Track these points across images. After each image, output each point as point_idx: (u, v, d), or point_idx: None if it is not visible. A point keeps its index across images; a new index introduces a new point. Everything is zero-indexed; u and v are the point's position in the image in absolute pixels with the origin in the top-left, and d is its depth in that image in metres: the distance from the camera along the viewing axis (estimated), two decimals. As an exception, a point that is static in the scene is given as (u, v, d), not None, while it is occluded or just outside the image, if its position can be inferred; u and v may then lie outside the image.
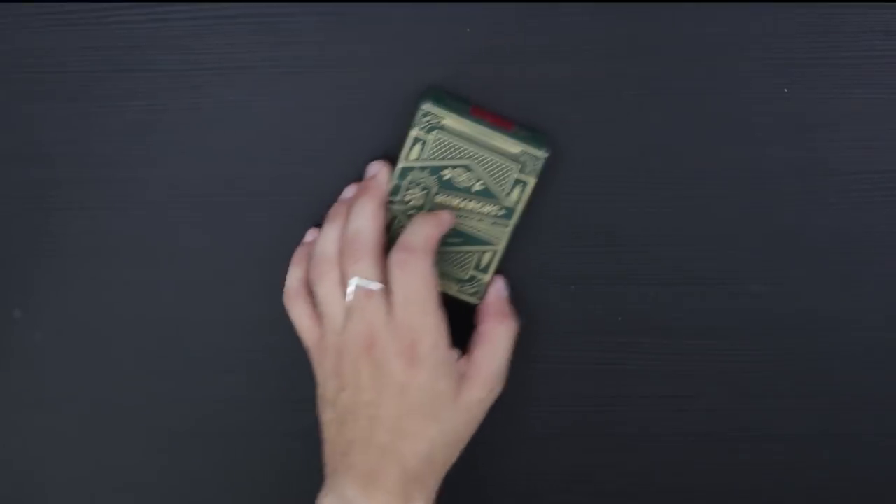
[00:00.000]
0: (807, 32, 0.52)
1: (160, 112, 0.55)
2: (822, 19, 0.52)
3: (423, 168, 0.52)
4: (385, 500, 0.50)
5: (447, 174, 0.53)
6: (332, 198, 0.56)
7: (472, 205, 0.53)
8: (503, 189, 0.53)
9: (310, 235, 0.56)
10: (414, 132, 0.52)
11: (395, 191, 0.53)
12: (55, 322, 0.59)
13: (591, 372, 0.57)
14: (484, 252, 0.54)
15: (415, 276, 0.50)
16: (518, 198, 0.53)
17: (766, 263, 0.55)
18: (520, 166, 0.52)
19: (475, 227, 0.54)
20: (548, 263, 0.56)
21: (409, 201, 0.53)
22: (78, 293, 0.58)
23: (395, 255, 0.51)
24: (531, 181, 0.53)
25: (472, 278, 0.55)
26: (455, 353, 0.52)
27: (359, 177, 0.55)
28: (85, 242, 0.57)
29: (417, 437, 0.51)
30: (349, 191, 0.55)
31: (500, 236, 0.54)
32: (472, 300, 0.55)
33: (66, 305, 0.58)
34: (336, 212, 0.54)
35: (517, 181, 0.53)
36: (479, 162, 0.52)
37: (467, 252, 0.54)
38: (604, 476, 0.59)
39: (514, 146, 0.52)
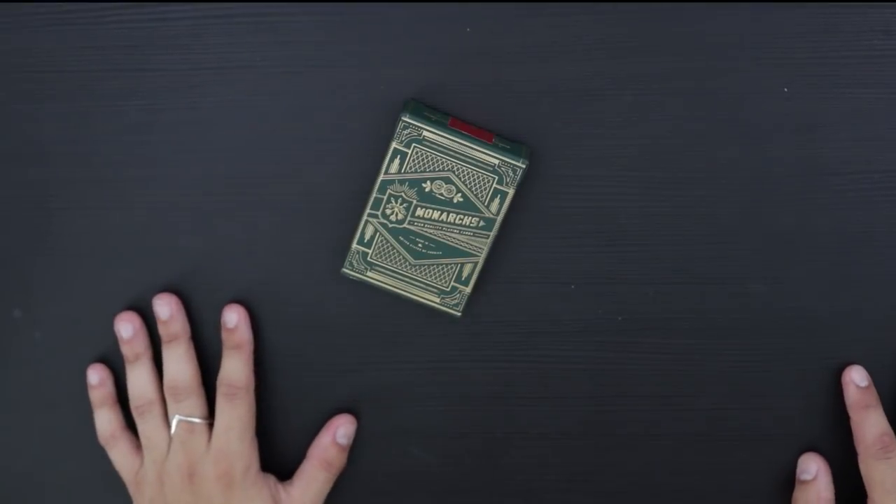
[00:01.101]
0: (807, 32, 0.52)
1: (160, 112, 0.55)
2: (822, 19, 0.52)
3: (402, 181, 0.53)
4: None
5: (427, 186, 0.53)
6: (332, 198, 0.56)
7: (452, 217, 0.53)
8: (483, 200, 0.53)
9: (94, 377, 0.58)
10: (394, 145, 0.52)
11: (375, 205, 0.53)
12: (55, 322, 0.59)
13: (591, 372, 0.57)
14: (465, 264, 0.54)
15: (239, 408, 0.55)
16: (498, 209, 0.53)
17: (766, 263, 0.56)
18: (498, 177, 0.52)
19: (456, 239, 0.54)
20: (547, 263, 0.56)
21: (390, 215, 0.53)
22: (78, 293, 0.58)
23: (224, 389, 0.56)
24: (510, 192, 0.53)
25: (453, 290, 0.55)
26: (270, 479, 0.57)
27: (359, 178, 0.55)
28: (85, 242, 0.57)
29: None
30: (125, 330, 0.57)
31: (481, 248, 0.54)
32: (453, 312, 0.55)
33: (66, 305, 0.58)
34: (134, 353, 0.57)
35: (497, 192, 0.53)
36: (458, 174, 0.52)
37: (448, 264, 0.54)
38: (604, 476, 0.59)
39: (493, 157, 0.52)
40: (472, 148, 0.52)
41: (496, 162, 0.52)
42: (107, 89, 0.55)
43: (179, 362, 0.56)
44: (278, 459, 0.59)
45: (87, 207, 0.57)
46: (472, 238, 0.54)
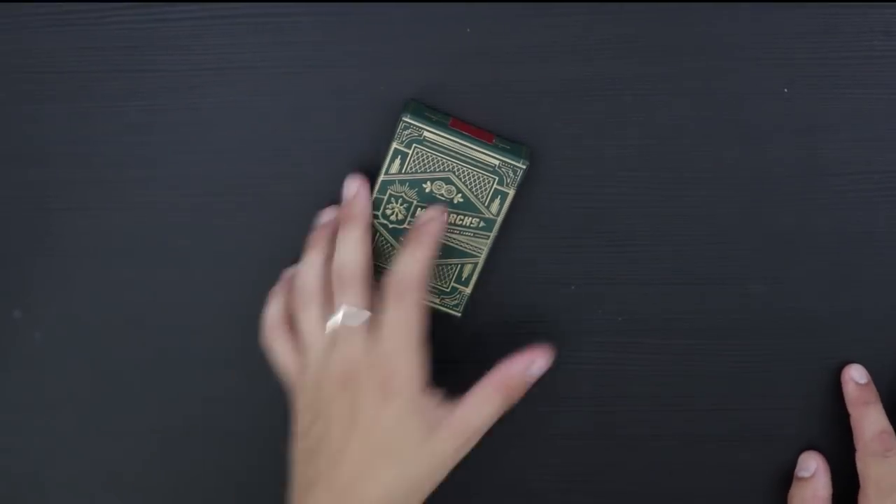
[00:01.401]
0: (807, 32, 0.52)
1: (160, 112, 0.55)
2: (822, 19, 0.52)
3: (403, 181, 0.53)
4: None
5: (428, 187, 0.53)
6: (331, 197, 0.56)
7: (452, 217, 0.53)
8: (483, 201, 0.53)
9: (288, 273, 0.55)
10: (394, 145, 0.52)
11: (375, 205, 0.53)
12: (55, 322, 0.59)
13: (591, 372, 0.57)
14: (465, 264, 0.54)
15: (408, 308, 0.49)
16: (498, 209, 0.53)
17: (766, 263, 0.55)
18: (499, 178, 0.52)
19: (456, 239, 0.54)
20: (547, 263, 0.56)
21: (391, 215, 0.53)
22: (78, 293, 0.58)
23: (393, 287, 0.50)
24: (511, 192, 0.53)
25: (453, 290, 0.55)
26: (434, 397, 0.50)
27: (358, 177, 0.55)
28: (85, 242, 0.57)
29: (377, 480, 0.49)
30: (327, 214, 0.54)
31: (481, 248, 0.54)
32: (453, 312, 0.55)
33: (66, 305, 0.58)
34: (316, 239, 0.53)
35: (497, 192, 0.53)
36: (458, 174, 0.52)
37: (448, 265, 0.54)
38: (604, 476, 0.59)
39: (493, 158, 0.52)
40: (472, 148, 0.52)
41: (496, 163, 0.52)
42: (107, 90, 0.55)
43: (353, 247, 0.51)
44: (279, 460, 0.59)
45: (87, 207, 0.57)
46: (472, 238, 0.54)
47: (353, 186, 0.53)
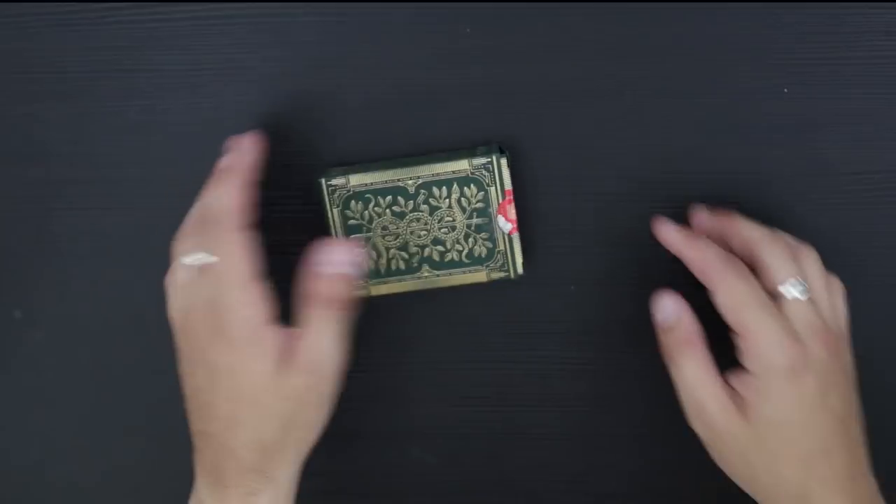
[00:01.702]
0: (807, 33, 0.52)
1: (160, 112, 0.55)
2: (823, 20, 0.52)
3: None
4: (230, 496, 0.48)
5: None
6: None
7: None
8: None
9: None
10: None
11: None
12: (55, 322, 0.59)
13: (591, 372, 0.57)
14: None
15: (229, 244, 0.47)
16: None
17: (766, 263, 0.55)
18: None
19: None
20: (547, 264, 0.56)
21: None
22: (78, 293, 0.58)
23: (205, 226, 0.48)
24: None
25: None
26: (277, 333, 0.47)
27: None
28: (85, 242, 0.57)
29: (243, 425, 0.47)
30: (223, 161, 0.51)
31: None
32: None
33: (66, 305, 0.58)
34: (220, 168, 0.51)
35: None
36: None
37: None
38: (604, 476, 0.59)
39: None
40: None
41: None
42: (107, 89, 0.55)
43: (223, 189, 0.49)
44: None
45: (87, 207, 0.57)
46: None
47: (245, 143, 0.51)
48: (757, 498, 0.49)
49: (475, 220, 0.53)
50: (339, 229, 0.53)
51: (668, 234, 0.51)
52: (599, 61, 0.53)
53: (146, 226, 0.57)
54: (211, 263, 0.47)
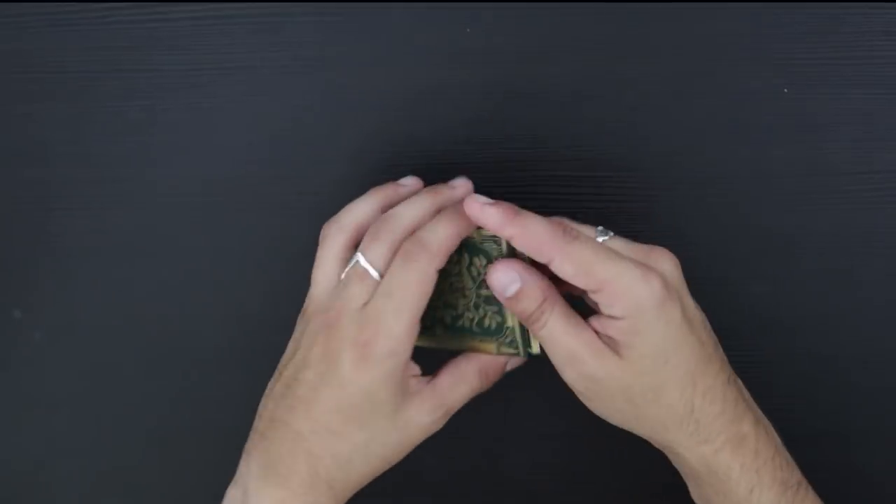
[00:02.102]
0: (807, 33, 0.52)
1: (160, 112, 0.55)
2: (823, 20, 0.52)
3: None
4: (289, 499, 0.46)
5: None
6: (332, 197, 0.56)
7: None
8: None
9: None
10: None
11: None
12: (55, 322, 0.59)
13: (591, 372, 0.57)
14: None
15: (415, 272, 0.46)
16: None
17: (766, 263, 0.55)
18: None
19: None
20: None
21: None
22: (78, 293, 0.58)
23: (407, 245, 0.46)
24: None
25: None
26: (412, 371, 0.48)
27: (360, 178, 0.55)
28: (85, 242, 0.57)
29: (340, 436, 0.47)
30: (408, 180, 0.51)
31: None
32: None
33: (66, 305, 0.58)
34: (385, 190, 0.50)
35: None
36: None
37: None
38: (604, 476, 0.59)
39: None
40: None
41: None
42: (107, 89, 0.55)
43: (414, 206, 0.48)
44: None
45: (87, 207, 0.57)
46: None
47: (462, 184, 0.50)
48: (643, 433, 0.49)
49: (484, 292, 0.50)
50: None
51: (484, 212, 0.46)
52: (599, 61, 0.53)
53: (146, 226, 0.57)
54: (391, 280, 0.46)
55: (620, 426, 0.49)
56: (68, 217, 0.57)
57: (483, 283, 0.49)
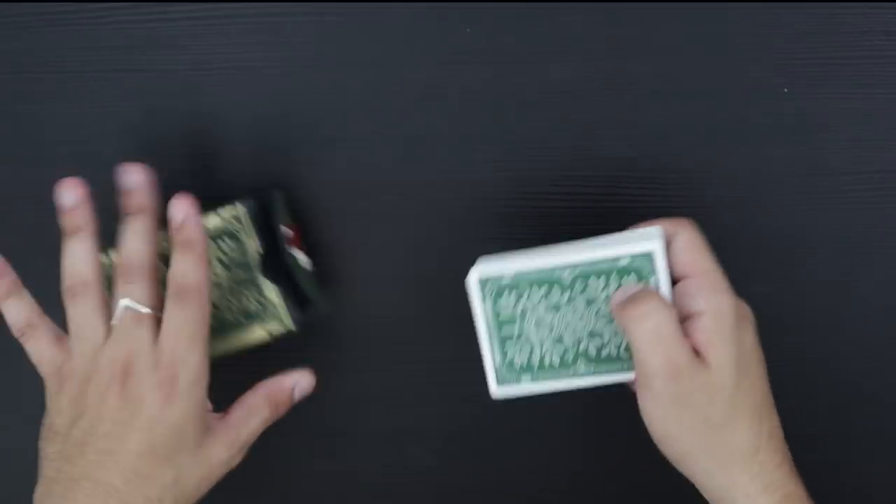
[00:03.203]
0: (807, 32, 0.52)
1: (160, 112, 0.55)
2: (823, 20, 0.52)
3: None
4: None
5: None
6: (332, 197, 0.56)
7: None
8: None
9: (6, 273, 0.52)
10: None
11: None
12: (55, 322, 0.59)
13: (591, 372, 0.57)
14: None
15: (192, 310, 0.48)
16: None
17: (766, 263, 0.55)
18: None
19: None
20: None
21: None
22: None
23: (173, 289, 0.48)
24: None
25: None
26: (208, 406, 0.49)
27: (359, 178, 0.55)
28: (85, 242, 0.57)
29: (151, 479, 0.46)
30: (67, 197, 0.50)
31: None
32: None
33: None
34: (72, 224, 0.50)
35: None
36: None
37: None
38: (604, 476, 0.59)
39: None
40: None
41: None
42: (107, 89, 0.55)
43: (140, 238, 0.49)
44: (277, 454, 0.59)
45: (87, 207, 0.57)
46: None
47: (134, 176, 0.51)
48: (707, 467, 0.47)
49: (240, 275, 0.52)
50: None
51: None
52: (599, 61, 0.53)
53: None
54: (164, 319, 0.48)
55: (683, 461, 0.48)
56: (68, 217, 0.57)
57: (234, 264, 0.51)
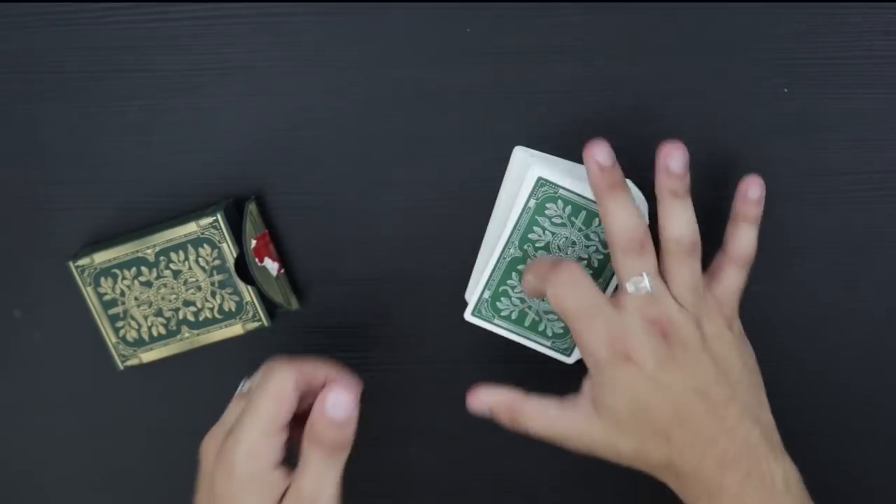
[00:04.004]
0: (807, 32, 0.52)
1: (160, 112, 0.55)
2: (823, 20, 0.52)
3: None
4: None
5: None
6: (332, 198, 0.56)
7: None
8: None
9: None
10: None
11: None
12: (55, 322, 0.59)
13: (591, 372, 0.57)
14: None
15: (278, 382, 0.48)
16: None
17: (766, 263, 0.55)
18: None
19: None
20: (548, 263, 0.56)
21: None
22: (78, 293, 0.58)
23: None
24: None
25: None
26: (280, 475, 0.48)
27: (359, 178, 0.55)
28: (85, 242, 0.57)
29: None
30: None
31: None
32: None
33: (66, 305, 0.58)
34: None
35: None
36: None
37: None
38: (604, 476, 0.59)
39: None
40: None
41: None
42: (107, 89, 0.55)
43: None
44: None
45: (87, 207, 0.57)
46: None
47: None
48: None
49: (217, 278, 0.54)
50: (96, 306, 0.55)
51: (741, 198, 0.52)
52: (599, 61, 0.53)
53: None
54: (251, 395, 0.49)
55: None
56: (68, 217, 0.57)
57: (215, 270, 0.54)
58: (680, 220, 0.50)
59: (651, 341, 0.48)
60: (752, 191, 0.51)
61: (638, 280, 0.49)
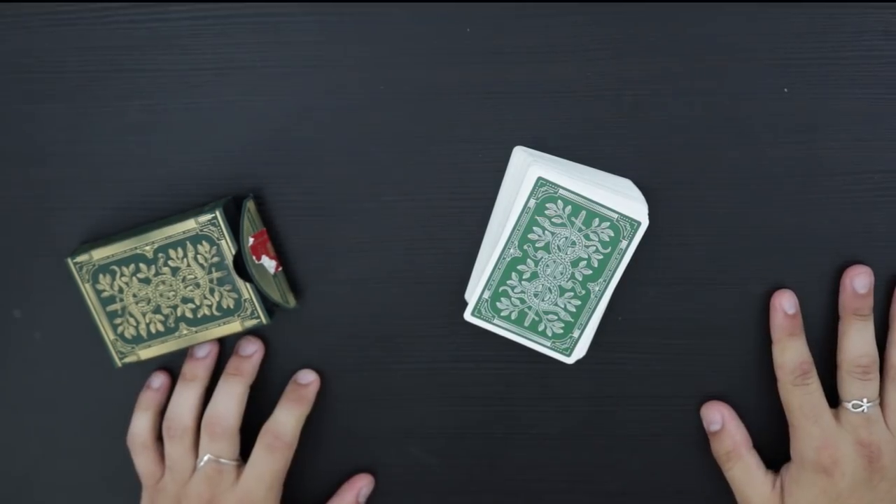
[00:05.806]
0: (807, 32, 0.52)
1: (160, 112, 0.55)
2: (822, 19, 0.52)
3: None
4: None
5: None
6: (331, 198, 0.56)
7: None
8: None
9: (156, 381, 0.58)
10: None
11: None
12: (55, 322, 0.59)
13: (591, 372, 0.57)
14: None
15: (278, 462, 0.55)
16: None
17: (766, 263, 0.55)
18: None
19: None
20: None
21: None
22: (78, 293, 0.58)
23: (268, 439, 0.56)
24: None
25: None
26: None
27: (359, 178, 0.55)
28: (84, 242, 0.57)
29: None
30: (201, 350, 0.57)
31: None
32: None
33: (66, 305, 0.58)
34: (192, 373, 0.57)
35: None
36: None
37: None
38: (604, 476, 0.59)
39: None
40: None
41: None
42: (107, 89, 0.55)
43: (231, 399, 0.56)
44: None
45: (87, 207, 0.57)
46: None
47: (251, 346, 0.57)
48: None
49: (215, 275, 0.54)
50: (95, 303, 0.55)
51: (776, 313, 0.55)
52: (599, 61, 0.53)
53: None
54: (251, 462, 0.56)
55: None
56: (68, 217, 0.57)
57: (213, 267, 0.54)
58: (863, 340, 0.54)
59: (856, 461, 0.53)
60: (786, 305, 0.55)
61: (858, 404, 0.53)
